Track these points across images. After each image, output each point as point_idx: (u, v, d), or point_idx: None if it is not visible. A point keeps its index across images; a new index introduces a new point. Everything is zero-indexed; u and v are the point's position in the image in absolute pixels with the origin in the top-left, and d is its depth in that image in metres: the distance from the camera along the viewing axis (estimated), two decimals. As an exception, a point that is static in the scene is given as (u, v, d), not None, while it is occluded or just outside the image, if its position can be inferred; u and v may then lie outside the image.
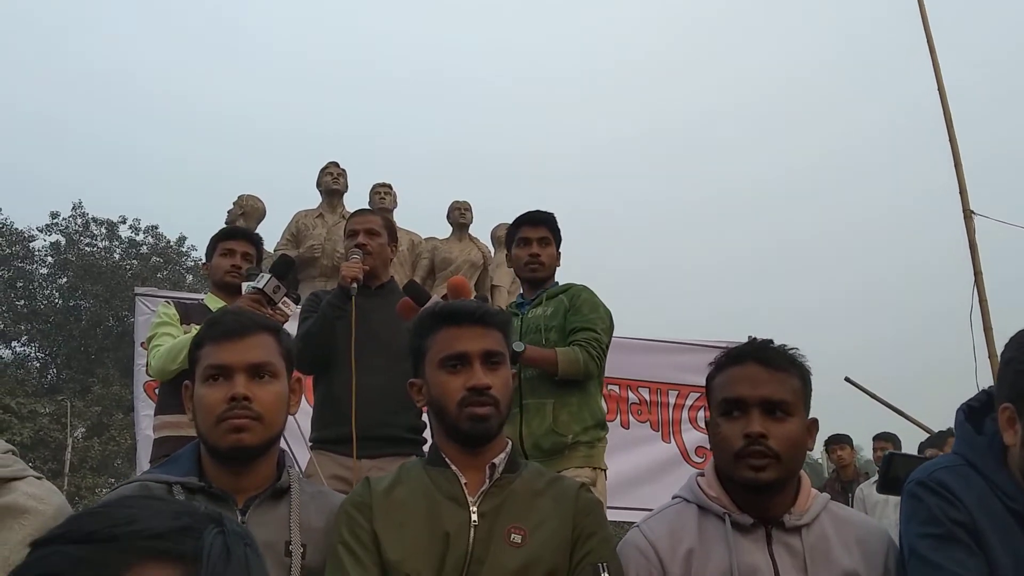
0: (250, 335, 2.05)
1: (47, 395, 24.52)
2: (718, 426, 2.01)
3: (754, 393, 1.95)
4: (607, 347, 3.80)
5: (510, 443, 2.12)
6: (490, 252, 9.43)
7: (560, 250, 4.06)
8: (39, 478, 1.99)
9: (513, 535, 1.95)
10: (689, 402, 7.39)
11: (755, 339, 2.07)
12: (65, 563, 0.90)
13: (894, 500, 5.63)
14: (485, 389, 2.02)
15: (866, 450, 9.42)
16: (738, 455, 1.94)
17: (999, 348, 7.13)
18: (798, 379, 2.01)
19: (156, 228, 29.10)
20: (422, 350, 2.13)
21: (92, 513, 0.95)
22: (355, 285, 3.77)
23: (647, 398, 7.28)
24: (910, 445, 7.58)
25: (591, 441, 3.70)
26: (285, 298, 3.73)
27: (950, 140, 8.37)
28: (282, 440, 2.12)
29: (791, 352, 2.03)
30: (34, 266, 27.96)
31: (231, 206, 8.81)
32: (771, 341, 2.05)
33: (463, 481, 2.02)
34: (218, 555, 0.92)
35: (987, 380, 7.35)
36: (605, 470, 3.80)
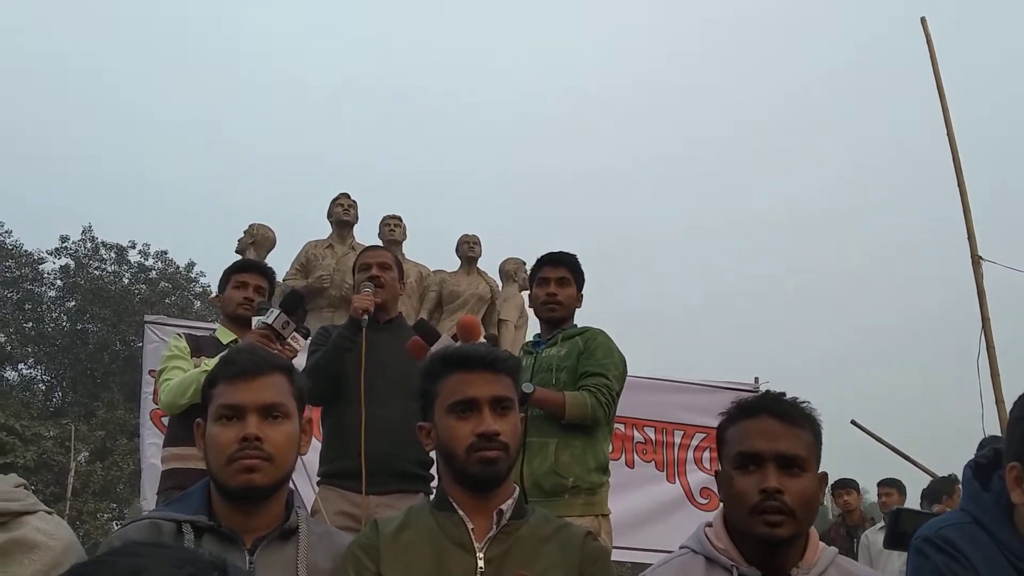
0: (263, 375, 2.06)
1: (52, 418, 24.54)
2: (731, 479, 2.01)
3: (770, 448, 1.96)
4: (618, 394, 3.75)
5: (517, 489, 2.12)
6: (498, 286, 9.42)
7: (582, 292, 4.03)
8: (50, 513, 1.99)
9: None
10: (695, 442, 7.39)
11: (768, 391, 2.07)
12: None
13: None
14: (494, 435, 2.03)
15: (871, 493, 9.36)
16: (753, 510, 1.94)
17: (1005, 394, 7.13)
18: (811, 434, 2.02)
19: (165, 253, 29.25)
20: (431, 394, 2.14)
21: (99, 563, 0.95)
22: (366, 317, 3.78)
23: (652, 437, 7.29)
24: (914, 489, 7.54)
25: (592, 487, 3.64)
26: (295, 333, 3.73)
27: (958, 184, 8.40)
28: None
29: (804, 406, 2.04)
30: (43, 289, 28.08)
31: (242, 234, 8.84)
32: (784, 394, 2.05)
33: (470, 527, 2.02)
34: None
35: (992, 426, 7.33)
36: (608, 515, 3.74)
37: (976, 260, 8.12)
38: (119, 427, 23.25)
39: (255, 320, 3.78)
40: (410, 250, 9.01)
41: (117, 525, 21.38)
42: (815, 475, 2.00)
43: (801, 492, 1.94)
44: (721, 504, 2.10)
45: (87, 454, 22.66)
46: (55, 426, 23.08)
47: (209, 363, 3.74)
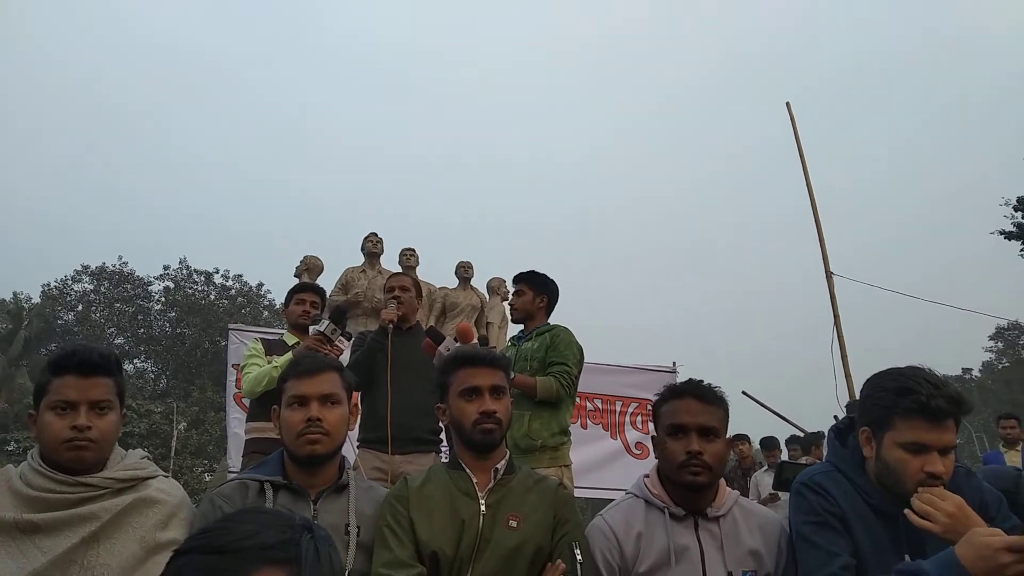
0: (321, 373, 2.05)
1: (159, 398, 24.29)
2: (665, 443, 2.01)
3: (693, 421, 1.97)
4: (577, 377, 3.70)
5: (508, 452, 2.12)
6: (486, 298, 9.39)
7: (543, 294, 3.88)
8: (166, 476, 1.98)
9: (511, 521, 1.94)
10: (630, 409, 7.41)
11: (691, 379, 2.08)
12: (200, 570, 0.90)
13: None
14: (492, 413, 2.04)
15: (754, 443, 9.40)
16: (680, 465, 1.95)
17: (853, 371, 7.19)
18: (723, 410, 2.03)
19: (241, 276, 29.06)
20: (446, 384, 2.13)
21: (219, 528, 0.95)
22: (391, 326, 3.77)
23: (600, 407, 7.31)
24: (784, 436, 7.59)
25: (555, 446, 3.58)
26: (340, 337, 3.72)
27: (815, 222, 8.48)
28: None
29: (717, 389, 2.05)
30: (151, 304, 27.83)
31: (298, 263, 8.78)
32: (703, 381, 2.06)
33: (475, 480, 2.02)
34: (312, 557, 0.93)
35: (843, 394, 7.39)
36: (569, 465, 3.70)
37: (829, 275, 8.20)
38: (209, 404, 23.01)
39: (311, 328, 3.76)
40: (421, 272, 8.98)
41: (208, 477, 21.14)
42: (725, 440, 2.02)
43: (715, 452, 1.96)
44: (656, 461, 2.10)
45: (185, 424, 22.40)
46: (161, 404, 22.83)
47: (278, 360, 3.73)
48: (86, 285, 27.64)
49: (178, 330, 27.58)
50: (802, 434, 7.47)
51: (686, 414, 1.98)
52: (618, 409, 7.37)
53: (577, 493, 5.93)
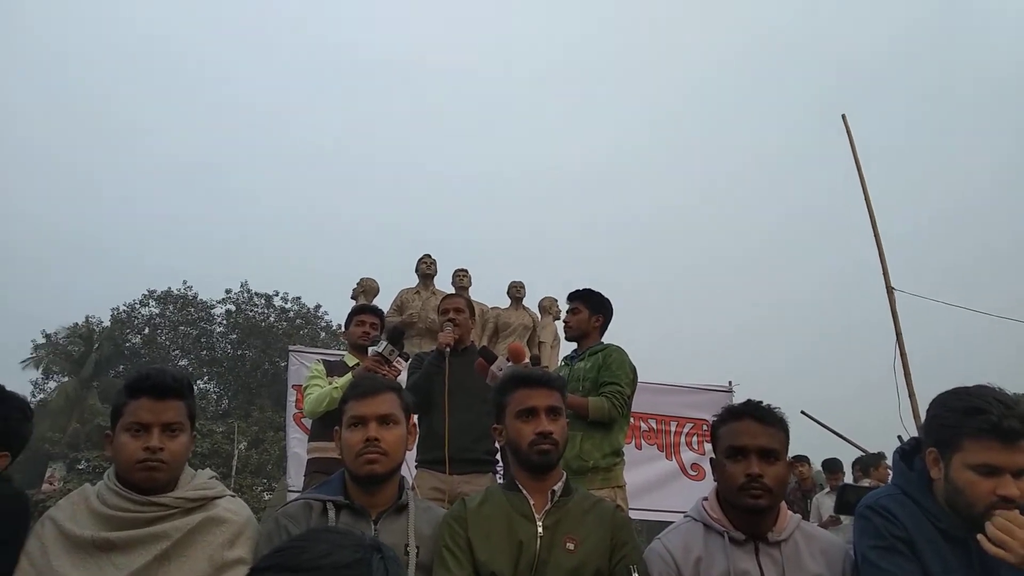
0: (380, 394, 2.08)
1: (220, 418, 24.78)
2: (724, 466, 1.98)
3: (753, 443, 1.94)
4: (630, 398, 3.64)
5: (565, 475, 2.12)
6: (538, 317, 9.38)
7: (599, 314, 3.84)
8: (233, 496, 2.03)
9: (568, 543, 1.93)
10: (685, 430, 7.30)
11: (750, 400, 2.05)
12: None
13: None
14: (548, 434, 2.04)
15: (817, 465, 9.14)
16: (740, 488, 1.92)
17: (918, 392, 6.96)
18: (782, 431, 1.99)
19: (299, 299, 29.48)
20: (503, 404, 2.14)
21: (295, 547, 0.97)
22: (448, 349, 3.79)
23: (654, 427, 7.22)
24: (848, 458, 7.38)
25: (608, 467, 3.52)
26: (398, 358, 3.76)
27: (872, 223, 8.26)
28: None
29: (777, 411, 2.01)
30: (213, 326, 28.47)
31: (355, 285, 8.94)
32: (762, 402, 2.03)
33: (532, 502, 2.01)
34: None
35: (906, 414, 7.15)
36: (623, 486, 3.63)
37: (890, 290, 7.97)
38: (268, 424, 23.36)
39: (370, 349, 3.80)
40: (473, 292, 9.04)
41: (267, 495, 21.48)
42: (785, 462, 1.98)
43: (776, 475, 1.92)
44: (715, 483, 2.07)
45: (245, 444, 22.83)
46: (223, 424, 23.30)
47: (338, 381, 3.78)
48: (152, 309, 28.50)
49: (239, 352, 28.17)
50: (864, 455, 7.25)
51: (746, 436, 1.95)
52: (673, 429, 7.27)
53: (631, 515, 5.86)
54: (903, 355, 7.46)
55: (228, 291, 28.61)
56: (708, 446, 7.09)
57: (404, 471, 2.22)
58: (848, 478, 6.91)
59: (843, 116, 8.98)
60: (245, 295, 28.71)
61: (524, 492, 2.03)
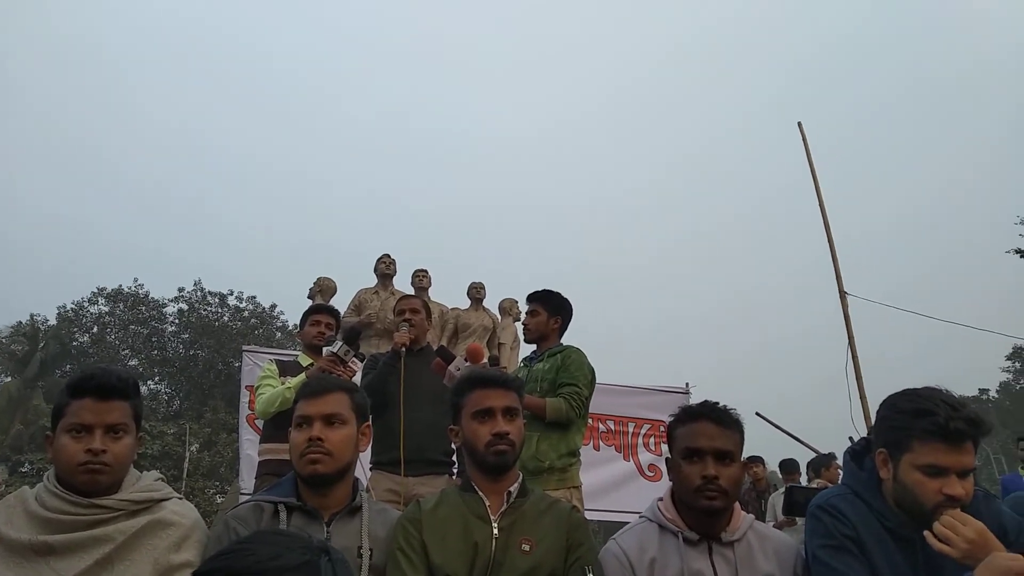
0: (328, 394, 2.06)
1: (172, 420, 24.33)
2: (680, 467, 1.99)
3: (709, 445, 1.95)
4: (587, 399, 3.64)
5: (521, 475, 2.11)
6: (497, 318, 9.38)
7: (558, 315, 3.83)
8: (180, 499, 1.98)
9: (524, 545, 1.93)
10: (642, 431, 7.37)
11: (707, 401, 2.05)
12: None
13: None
14: (505, 435, 2.03)
15: (771, 465, 9.28)
16: (696, 490, 1.93)
17: (869, 395, 7.12)
18: (739, 433, 2.00)
19: (255, 298, 29.17)
20: (459, 405, 2.13)
21: (241, 550, 0.95)
22: (404, 349, 3.77)
23: (612, 428, 7.28)
24: (804, 460, 7.50)
25: (563, 467, 3.52)
26: (354, 358, 3.72)
27: (825, 227, 8.43)
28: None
29: (733, 412, 2.03)
30: (165, 326, 27.96)
31: (312, 284, 8.82)
32: (718, 403, 2.04)
33: (487, 503, 2.00)
34: None
35: (857, 415, 7.32)
36: (579, 486, 3.63)
37: (843, 294, 8.15)
38: (221, 426, 23.03)
39: (325, 349, 3.77)
40: (433, 293, 8.99)
41: (219, 498, 21.11)
42: (740, 463, 2.00)
43: (731, 477, 1.94)
44: (670, 484, 2.08)
45: (197, 445, 22.43)
46: (174, 425, 22.86)
47: (290, 382, 3.74)
48: (102, 307, 27.84)
49: (192, 352, 27.69)
50: (816, 456, 7.39)
51: (702, 437, 1.96)
52: (631, 431, 7.34)
53: (589, 515, 5.88)
54: (855, 358, 7.64)
55: (181, 290, 28.12)
56: (665, 447, 7.19)
57: (359, 473, 2.20)
58: (803, 480, 7.03)
59: (799, 124, 9.16)
60: (198, 294, 28.24)
61: (480, 493, 2.02)
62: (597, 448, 7.12)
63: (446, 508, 2.01)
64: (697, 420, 1.99)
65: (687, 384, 7.70)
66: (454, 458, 3.88)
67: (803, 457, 7.61)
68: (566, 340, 3.96)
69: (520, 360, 4.31)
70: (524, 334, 3.93)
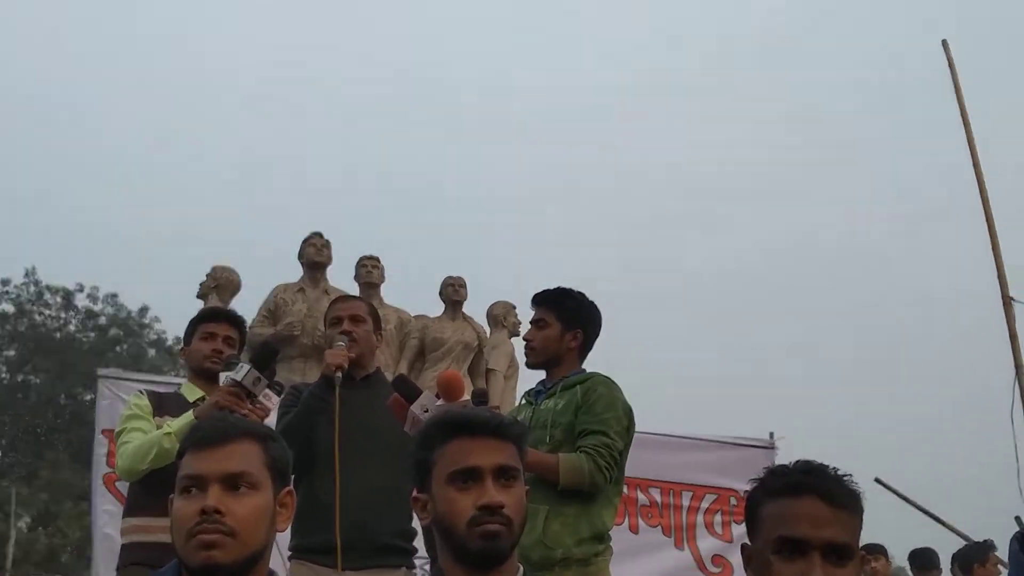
0: (229, 443, 2.05)
1: (-11, 480, 24.30)
2: (769, 564, 1.96)
3: (817, 535, 1.91)
4: (622, 453, 3.64)
5: (521, 568, 2.11)
6: (486, 332, 9.41)
7: (576, 331, 3.86)
8: None
9: None
10: (705, 504, 7.37)
11: (812, 464, 2.03)
12: None
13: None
14: (498, 508, 2.02)
15: (898, 558, 9.34)
16: None
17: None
18: (857, 516, 1.99)
19: (115, 297, 29.17)
20: (428, 463, 2.12)
21: None
22: (339, 374, 3.76)
23: (658, 499, 7.27)
24: (946, 553, 7.52)
25: (585, 558, 3.53)
26: (267, 391, 3.72)
27: (987, 222, 8.46)
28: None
29: (851, 483, 2.00)
30: (-24, 338, 27.92)
31: (204, 277, 8.84)
32: (827, 467, 2.03)
33: None
34: None
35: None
36: None
37: (1008, 300, 8.15)
38: (64, 490, 23.04)
39: (223, 376, 3.78)
40: (389, 292, 9.01)
41: (61, 600, 21.13)
42: (858, 559, 1.99)
43: None
44: None
45: (28, 520, 22.44)
46: (-8, 489, 22.87)
47: (172, 424, 3.74)
48: None
49: (20, 377, 27.71)
50: (965, 545, 7.42)
51: (806, 523, 1.93)
52: (686, 504, 7.34)
53: (623, 631, 5.91)
54: (1024, 393, 7.62)
55: (5, 283, 28.10)
56: (738, 529, 7.20)
57: (275, 564, 2.19)
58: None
59: (943, 41, 9.19)
60: (31, 289, 28.23)
61: None
62: (635, 529, 7.12)
63: (406, 618, 2.01)
64: (798, 494, 1.97)
65: (771, 435, 7.72)
66: (417, 543, 3.88)
67: (945, 547, 7.64)
68: (590, 366, 3.99)
69: (521, 395, 4.31)
70: (527, 355, 3.94)
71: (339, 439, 3.68)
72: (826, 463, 2.04)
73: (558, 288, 3.94)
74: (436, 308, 9.35)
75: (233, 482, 2.00)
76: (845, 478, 2.01)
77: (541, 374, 3.98)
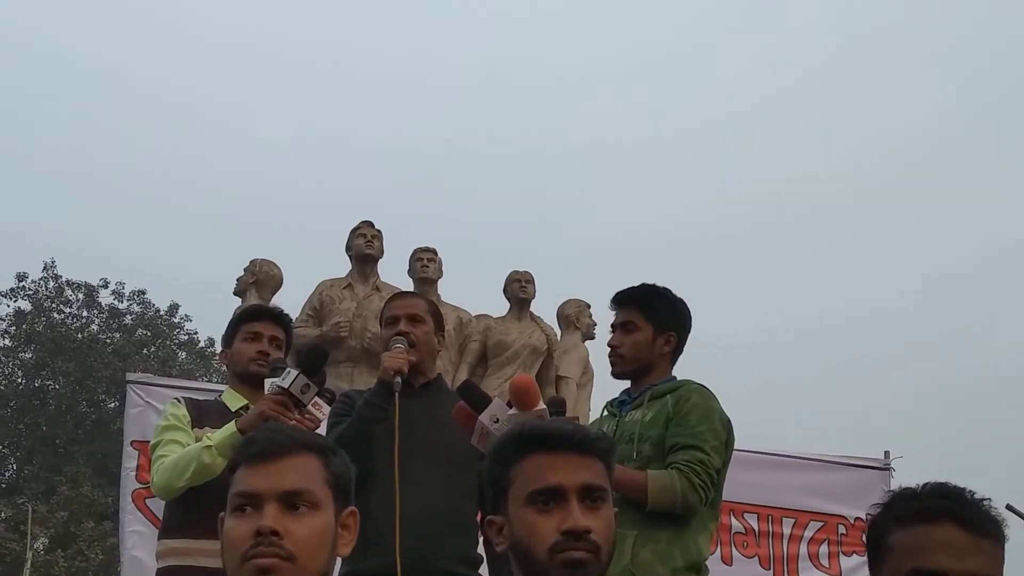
0: (287, 457, 2.06)
1: (5, 496, 24.77)
2: None
3: (959, 567, 1.89)
4: (719, 472, 3.64)
5: None
6: (556, 335, 9.42)
7: (670, 334, 3.87)
8: None
9: None
10: (809, 533, 7.30)
11: (948, 487, 2.01)
12: None
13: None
14: (584, 533, 2.01)
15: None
16: None
17: None
18: (998, 545, 1.96)
19: (143, 294, 29.51)
20: (504, 481, 2.13)
21: None
22: (399, 379, 3.77)
23: (755, 527, 7.22)
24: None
25: None
26: (316, 399, 3.74)
27: None
28: None
29: (991, 509, 1.98)
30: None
31: (241, 272, 8.94)
32: (965, 491, 2.00)
33: None
34: None
35: None
36: None
37: None
38: (86, 507, 23.36)
39: (268, 383, 3.79)
40: (447, 289, 9.04)
41: (82, 630, 21.48)
42: None
43: None
44: None
45: (46, 540, 22.82)
46: (8, 506, 23.33)
47: (213, 437, 3.77)
48: None
49: (37, 382, 28.18)
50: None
51: (945, 554, 1.91)
52: (788, 532, 7.28)
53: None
54: None
55: (22, 278, 28.58)
56: (848, 561, 7.12)
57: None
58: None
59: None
60: (50, 285, 28.69)
61: None
62: (729, 560, 7.07)
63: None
64: (934, 521, 1.95)
65: (887, 454, 7.62)
66: (483, 570, 3.90)
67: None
68: (679, 372, 3.97)
69: (601, 406, 4.30)
70: (613, 363, 3.94)
71: (399, 454, 3.70)
72: (960, 486, 2.02)
73: (645, 285, 3.94)
74: (500, 307, 9.36)
75: (291, 501, 2.02)
76: (984, 502, 1.98)
77: (620, 383, 3.98)
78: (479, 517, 2.24)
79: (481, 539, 3.31)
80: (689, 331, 3.95)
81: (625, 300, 3.92)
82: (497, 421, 3.29)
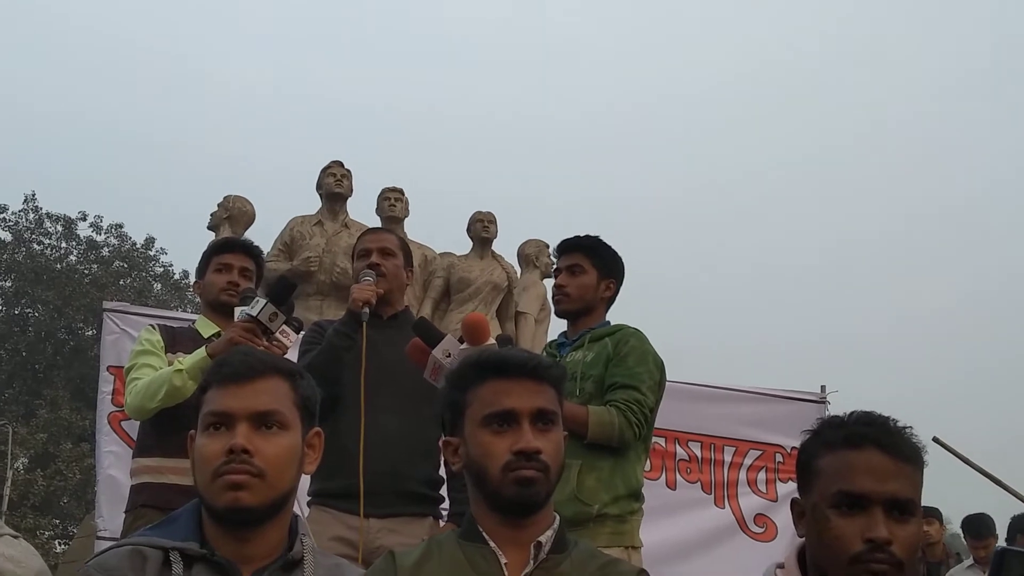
0: (258, 379, 2.07)
1: (-16, 418, 24.57)
2: (827, 520, 1.96)
3: (880, 490, 1.91)
4: (653, 409, 3.72)
5: (558, 518, 2.13)
6: (516, 272, 9.43)
7: (611, 280, 3.97)
8: (16, 537, 2.03)
9: None
10: (748, 461, 7.35)
11: (873, 415, 2.01)
12: None
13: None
14: (535, 453, 2.03)
15: (954, 524, 9.34)
16: (856, 559, 1.89)
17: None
18: (919, 471, 1.99)
19: (120, 227, 29.20)
20: (460, 405, 2.14)
21: None
22: (367, 310, 3.78)
23: (698, 454, 7.26)
24: (1003, 519, 7.52)
25: (621, 515, 3.61)
26: (284, 327, 3.73)
27: None
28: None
29: (913, 437, 2.00)
30: (-30, 268, 28.08)
31: (215, 208, 8.89)
32: (889, 419, 2.02)
33: (503, 561, 2.03)
34: None
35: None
36: (639, 547, 3.71)
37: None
38: (64, 429, 23.27)
39: (237, 311, 3.78)
40: (413, 228, 9.02)
41: (61, 544, 21.47)
42: (921, 519, 1.99)
43: (910, 541, 1.91)
44: (797, 545, 2.08)
45: (26, 460, 22.72)
46: (-12, 428, 23.14)
47: (184, 361, 3.77)
48: None
49: (17, 310, 27.94)
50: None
51: (868, 477, 1.93)
52: (729, 459, 7.32)
53: (657, 592, 5.95)
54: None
55: (2, 209, 28.22)
56: (784, 487, 7.21)
57: (297, 508, 2.23)
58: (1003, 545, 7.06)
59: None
60: (30, 217, 28.36)
61: (492, 544, 2.05)
62: (673, 485, 7.11)
63: (436, 565, 2.04)
64: (859, 446, 1.96)
65: (823, 388, 7.70)
66: (445, 490, 3.94)
67: (1001, 512, 7.63)
68: (613, 317, 4.06)
69: (543, 348, 4.36)
70: (557, 302, 4.00)
71: (365, 380, 3.71)
72: (885, 415, 2.05)
73: (592, 235, 4.01)
74: (463, 245, 9.36)
75: (262, 421, 2.03)
76: (907, 430, 2.01)
77: (565, 323, 4.05)
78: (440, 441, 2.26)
79: (442, 461, 3.34)
80: (623, 282, 4.04)
81: (574, 246, 3.98)
82: (449, 356, 3.31)
